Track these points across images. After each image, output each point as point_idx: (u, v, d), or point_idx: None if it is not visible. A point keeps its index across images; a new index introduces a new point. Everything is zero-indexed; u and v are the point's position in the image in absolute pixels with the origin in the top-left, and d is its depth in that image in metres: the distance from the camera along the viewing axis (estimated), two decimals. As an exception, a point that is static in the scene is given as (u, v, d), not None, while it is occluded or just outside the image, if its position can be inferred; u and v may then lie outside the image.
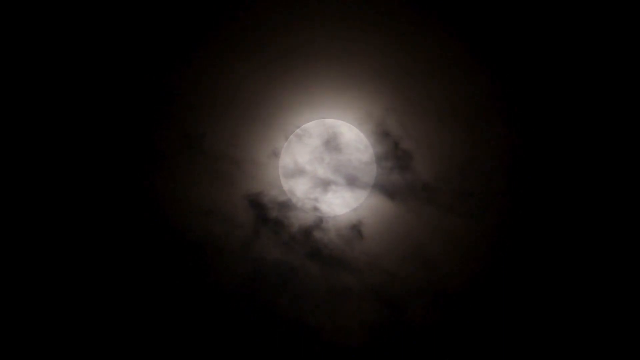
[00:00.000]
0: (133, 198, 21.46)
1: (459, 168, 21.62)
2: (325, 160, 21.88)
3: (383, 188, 21.78)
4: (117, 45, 21.88)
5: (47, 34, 21.77)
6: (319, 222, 21.70)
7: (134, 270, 21.11)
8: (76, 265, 21.03)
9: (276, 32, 21.81)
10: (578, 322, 20.75)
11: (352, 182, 21.80)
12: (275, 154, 21.82)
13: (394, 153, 21.87)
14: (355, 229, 21.61)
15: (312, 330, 21.35)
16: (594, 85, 21.45)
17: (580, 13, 21.38)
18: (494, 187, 21.50)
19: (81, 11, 21.82)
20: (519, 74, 21.45)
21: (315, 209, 21.74)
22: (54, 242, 21.04)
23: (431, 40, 21.75)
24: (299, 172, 21.85)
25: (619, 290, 20.79)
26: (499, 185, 21.51)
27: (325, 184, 21.82)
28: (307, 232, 21.58)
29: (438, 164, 21.68)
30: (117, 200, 21.47)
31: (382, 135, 21.89)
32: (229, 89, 21.77)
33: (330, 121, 21.84)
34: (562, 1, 21.34)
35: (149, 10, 21.75)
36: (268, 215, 21.70)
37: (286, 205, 21.73)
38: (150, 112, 21.92)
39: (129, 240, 21.18)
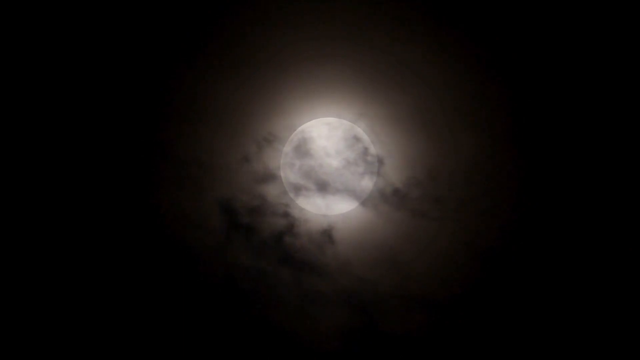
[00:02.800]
0: (103, 204, 21.29)
1: (430, 173, 21.72)
2: (296, 165, 21.87)
3: (354, 193, 21.83)
4: (89, 54, 21.67)
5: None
6: (291, 228, 21.69)
7: (101, 277, 20.96)
8: (47, 268, 20.88)
9: (246, 37, 21.72)
10: (553, 324, 20.98)
11: (323, 187, 21.82)
12: (246, 160, 21.76)
13: (364, 158, 21.92)
14: (327, 234, 21.64)
15: (284, 335, 21.36)
16: (563, 94, 21.68)
17: (551, 27, 21.58)
18: (465, 193, 21.63)
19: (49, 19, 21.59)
20: (490, 84, 21.60)
21: (287, 214, 21.73)
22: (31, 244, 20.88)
23: (402, 46, 21.80)
24: (269, 177, 21.83)
25: (596, 292, 21.04)
26: (470, 191, 21.64)
27: (296, 190, 21.81)
28: (278, 238, 21.56)
29: (409, 170, 21.76)
30: (86, 206, 21.29)
31: (353, 140, 21.93)
32: (199, 94, 21.66)
33: (300, 126, 21.82)
34: (536, 16, 21.52)
35: (114, 20, 21.55)
36: (239, 221, 21.66)
37: (257, 211, 21.70)
38: (121, 118, 21.75)
39: (97, 246, 21.02)
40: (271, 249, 21.68)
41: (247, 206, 21.69)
